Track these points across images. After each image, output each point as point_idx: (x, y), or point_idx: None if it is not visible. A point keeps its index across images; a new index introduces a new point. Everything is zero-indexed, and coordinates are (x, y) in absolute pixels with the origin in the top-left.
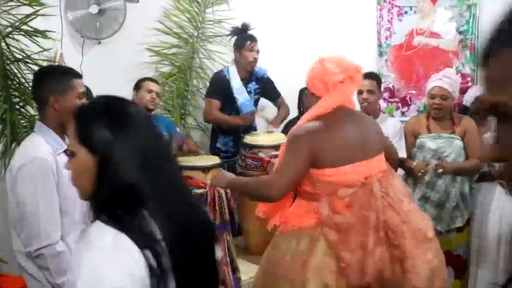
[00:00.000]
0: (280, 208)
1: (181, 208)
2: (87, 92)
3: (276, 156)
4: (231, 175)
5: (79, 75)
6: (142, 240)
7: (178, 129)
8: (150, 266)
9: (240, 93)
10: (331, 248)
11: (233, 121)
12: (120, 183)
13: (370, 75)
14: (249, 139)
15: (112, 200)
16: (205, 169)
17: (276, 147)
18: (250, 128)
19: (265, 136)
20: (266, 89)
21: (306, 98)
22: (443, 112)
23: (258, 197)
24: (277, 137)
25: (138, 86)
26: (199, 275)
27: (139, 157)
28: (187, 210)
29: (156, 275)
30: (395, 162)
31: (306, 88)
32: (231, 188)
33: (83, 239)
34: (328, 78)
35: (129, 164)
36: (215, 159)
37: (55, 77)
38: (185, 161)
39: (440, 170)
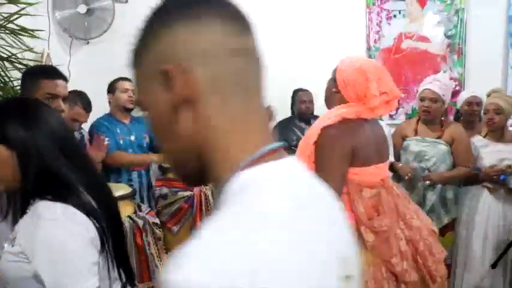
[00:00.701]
0: None
1: (98, 183)
2: (80, 94)
3: None
4: None
5: (55, 76)
6: (85, 209)
7: None
8: (97, 228)
9: None
10: (368, 252)
11: None
12: (47, 169)
13: None
14: None
15: (43, 184)
16: None
17: None
18: None
19: None
20: None
21: (327, 90)
22: (433, 115)
23: None
24: None
25: (112, 88)
26: (120, 232)
27: (55, 145)
28: (101, 183)
29: (101, 234)
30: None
31: (299, 90)
32: None
33: (32, 218)
34: (367, 99)
35: (48, 152)
36: None
37: (26, 77)
38: None
39: (428, 182)
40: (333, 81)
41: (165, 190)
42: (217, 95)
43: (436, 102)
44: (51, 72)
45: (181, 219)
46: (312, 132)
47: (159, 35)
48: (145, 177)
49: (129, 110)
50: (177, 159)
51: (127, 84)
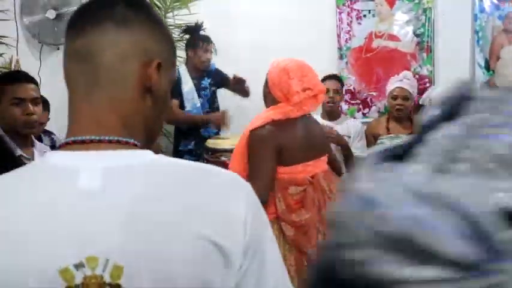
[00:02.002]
0: None
1: None
2: (43, 101)
3: None
4: None
5: (20, 80)
6: None
7: None
8: None
9: (190, 98)
10: (289, 244)
11: (197, 120)
12: None
13: (334, 77)
14: (211, 143)
15: None
16: None
17: None
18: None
19: (227, 140)
20: (218, 78)
21: (263, 91)
22: (405, 112)
23: None
24: None
25: None
26: None
27: None
28: None
29: None
30: (338, 167)
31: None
32: None
33: None
34: (290, 95)
35: None
36: None
37: None
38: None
39: None
40: (266, 82)
41: None
42: (67, 88)
43: (408, 100)
44: (16, 76)
45: None
46: (244, 134)
47: None
48: None
49: None
50: None
51: None
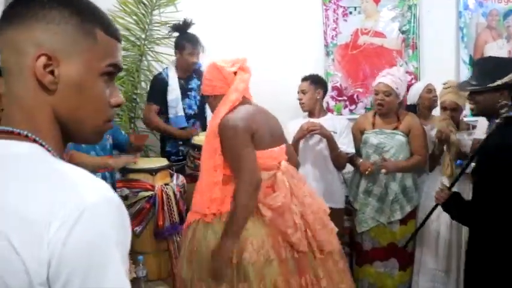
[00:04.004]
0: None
1: None
2: None
3: None
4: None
5: None
6: None
7: (123, 133)
8: None
9: (174, 106)
10: (267, 226)
11: (172, 132)
12: None
13: (304, 78)
14: (197, 140)
15: None
16: (152, 171)
17: None
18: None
19: None
20: None
21: (209, 106)
22: (386, 108)
23: (250, 204)
24: None
25: None
26: None
27: None
28: None
29: None
30: (295, 164)
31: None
32: (232, 238)
33: None
34: (225, 72)
35: None
36: (163, 161)
37: None
38: (132, 164)
39: (383, 171)
40: (202, 97)
41: (126, 191)
42: None
43: (389, 95)
44: None
45: (144, 220)
46: (211, 131)
47: None
48: (110, 179)
49: None
50: None
51: None
